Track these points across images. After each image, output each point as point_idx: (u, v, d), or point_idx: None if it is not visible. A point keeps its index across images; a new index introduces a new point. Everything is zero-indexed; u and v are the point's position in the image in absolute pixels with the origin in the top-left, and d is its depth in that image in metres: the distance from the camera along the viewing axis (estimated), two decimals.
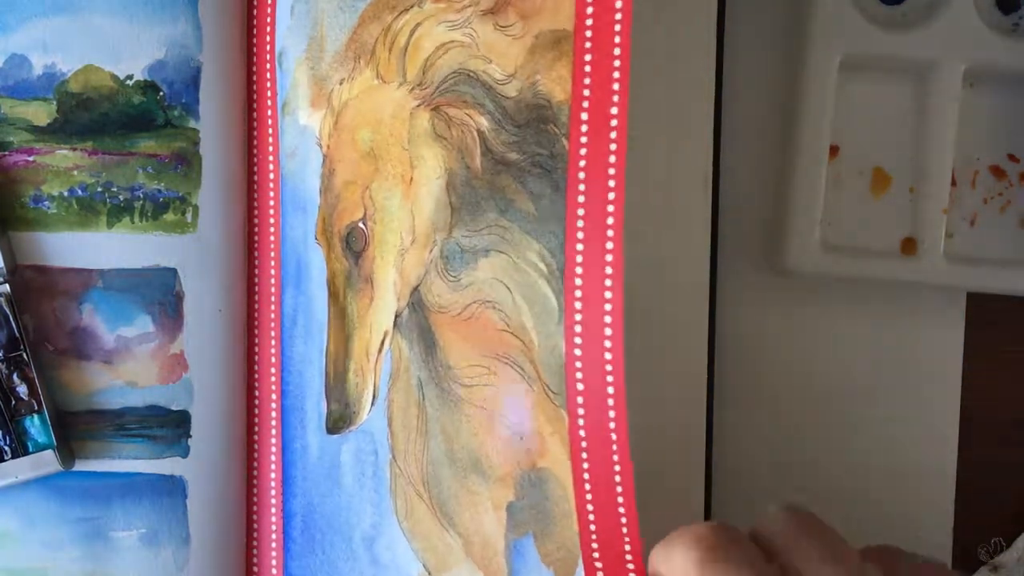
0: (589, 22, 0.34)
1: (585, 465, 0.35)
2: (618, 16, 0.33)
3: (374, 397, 0.40)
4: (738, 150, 0.46)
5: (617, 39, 0.33)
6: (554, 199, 0.35)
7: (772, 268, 0.46)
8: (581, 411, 0.34)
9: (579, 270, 0.34)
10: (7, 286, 0.43)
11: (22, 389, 0.43)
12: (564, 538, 0.35)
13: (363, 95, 0.40)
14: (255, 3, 0.44)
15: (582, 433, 0.34)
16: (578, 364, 0.34)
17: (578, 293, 0.34)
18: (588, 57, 0.34)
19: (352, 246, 0.40)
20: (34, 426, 0.43)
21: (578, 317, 0.34)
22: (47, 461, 0.42)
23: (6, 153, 0.43)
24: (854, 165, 0.46)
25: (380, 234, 0.40)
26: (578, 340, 0.34)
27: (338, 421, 0.41)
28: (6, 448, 0.42)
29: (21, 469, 0.42)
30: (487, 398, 0.37)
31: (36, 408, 0.43)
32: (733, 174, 0.46)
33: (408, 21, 0.38)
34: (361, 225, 0.40)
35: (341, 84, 0.40)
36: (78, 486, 0.44)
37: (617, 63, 0.33)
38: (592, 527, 0.35)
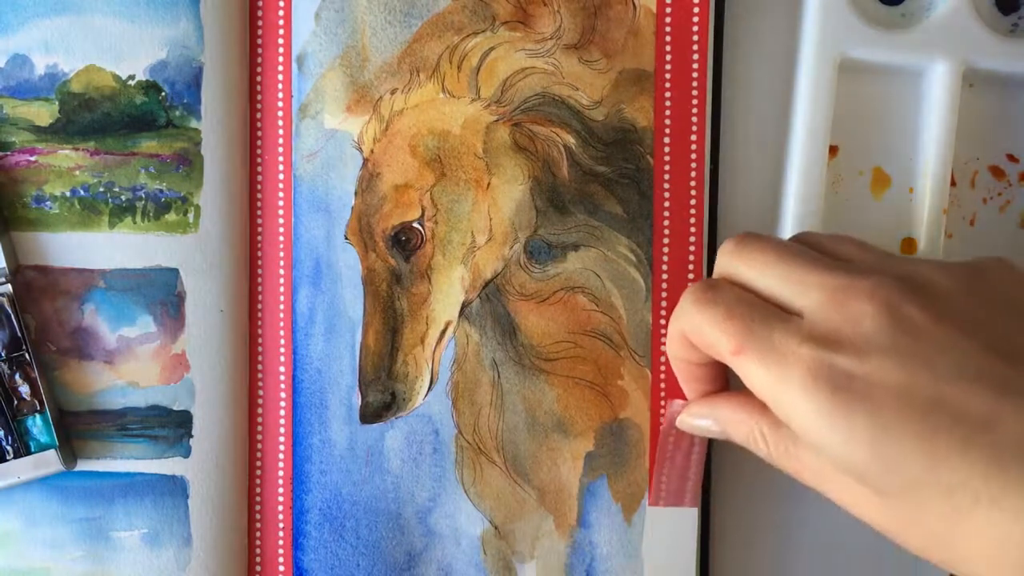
0: (668, 67, 0.44)
1: (662, 412, 0.45)
2: (695, 63, 0.44)
3: (432, 383, 0.45)
4: (738, 150, 0.46)
5: (695, 82, 0.44)
6: (641, 203, 0.44)
7: None
8: (663, 367, 0.45)
9: (666, 258, 0.45)
10: (9, 286, 0.43)
11: (24, 389, 0.43)
12: (635, 476, 0.45)
13: (425, 106, 0.44)
14: (261, 3, 0.44)
15: (662, 386, 0.45)
16: (663, 332, 0.45)
17: (665, 276, 0.45)
18: (668, 95, 0.44)
19: (402, 245, 0.44)
20: (36, 426, 0.43)
21: (664, 295, 0.45)
22: (49, 461, 0.43)
23: (8, 153, 0.43)
24: (854, 165, 0.46)
25: (443, 233, 0.44)
26: (663, 312, 0.45)
27: (380, 410, 0.44)
28: (8, 448, 0.42)
29: (23, 469, 0.42)
30: (572, 367, 0.44)
31: (38, 408, 0.43)
32: (733, 174, 0.46)
33: (479, 44, 0.44)
34: (416, 225, 0.44)
35: (393, 94, 0.44)
36: (80, 486, 0.44)
37: (695, 100, 0.44)
38: None
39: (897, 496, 0.32)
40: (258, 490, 0.45)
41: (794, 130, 0.44)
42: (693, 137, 0.44)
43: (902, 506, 0.32)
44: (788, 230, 0.44)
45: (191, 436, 0.44)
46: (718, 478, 0.46)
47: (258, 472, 0.45)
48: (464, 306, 0.45)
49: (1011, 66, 0.44)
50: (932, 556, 0.32)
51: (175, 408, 0.44)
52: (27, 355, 0.43)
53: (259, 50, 0.44)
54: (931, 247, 0.44)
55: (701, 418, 0.40)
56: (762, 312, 0.35)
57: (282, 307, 0.45)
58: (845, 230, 0.46)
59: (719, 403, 0.39)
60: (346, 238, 0.44)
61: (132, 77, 0.43)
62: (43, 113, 0.43)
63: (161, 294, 0.44)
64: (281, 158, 0.44)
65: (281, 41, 0.44)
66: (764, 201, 0.46)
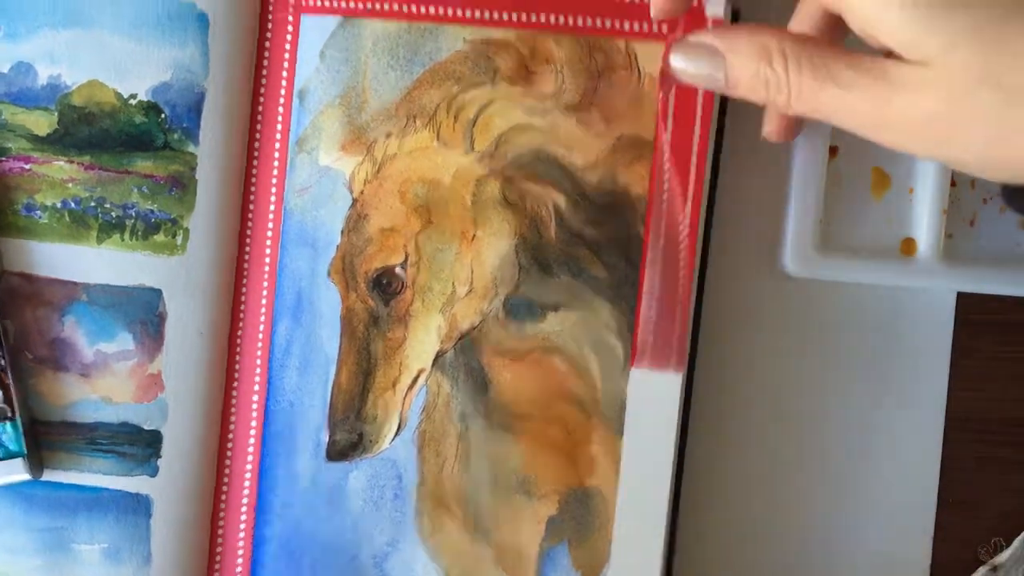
0: (667, 136, 0.43)
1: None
2: (696, 135, 0.43)
3: (399, 428, 0.44)
4: (738, 150, 0.46)
5: (694, 157, 0.43)
6: (628, 271, 0.44)
7: (771, 268, 0.46)
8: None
9: None
10: None
11: None
12: (598, 544, 0.44)
13: (417, 153, 0.44)
14: (269, 35, 0.44)
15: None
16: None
17: None
18: (667, 165, 0.43)
19: (383, 288, 0.44)
20: (6, 433, 0.43)
21: None
22: (16, 469, 0.43)
23: (3, 159, 0.43)
24: (854, 165, 0.46)
25: (424, 281, 0.44)
26: None
27: (346, 449, 0.45)
28: None
29: None
30: (542, 429, 0.44)
31: (9, 415, 0.43)
32: (733, 174, 0.46)
33: (477, 97, 0.44)
34: (398, 270, 0.44)
35: (388, 137, 0.44)
36: (45, 496, 0.44)
37: (693, 172, 0.43)
38: None
39: (931, 66, 0.30)
40: (221, 515, 0.45)
41: None
42: (688, 208, 0.43)
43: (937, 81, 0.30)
44: (789, 230, 0.44)
45: (159, 456, 0.44)
46: (684, 530, 0.46)
47: (223, 497, 0.45)
48: (439, 355, 0.44)
49: None
50: (935, 148, 0.31)
51: (146, 427, 0.44)
52: (3, 360, 0.43)
53: (263, 80, 0.45)
54: (931, 248, 0.44)
55: (701, 54, 0.34)
56: None
57: (260, 336, 0.45)
58: (845, 230, 0.45)
59: (733, 30, 0.33)
60: (329, 276, 0.44)
61: (134, 96, 0.43)
62: (42, 122, 0.43)
63: (142, 313, 0.44)
64: (274, 189, 0.45)
65: (285, 74, 0.44)
66: (764, 201, 0.46)
